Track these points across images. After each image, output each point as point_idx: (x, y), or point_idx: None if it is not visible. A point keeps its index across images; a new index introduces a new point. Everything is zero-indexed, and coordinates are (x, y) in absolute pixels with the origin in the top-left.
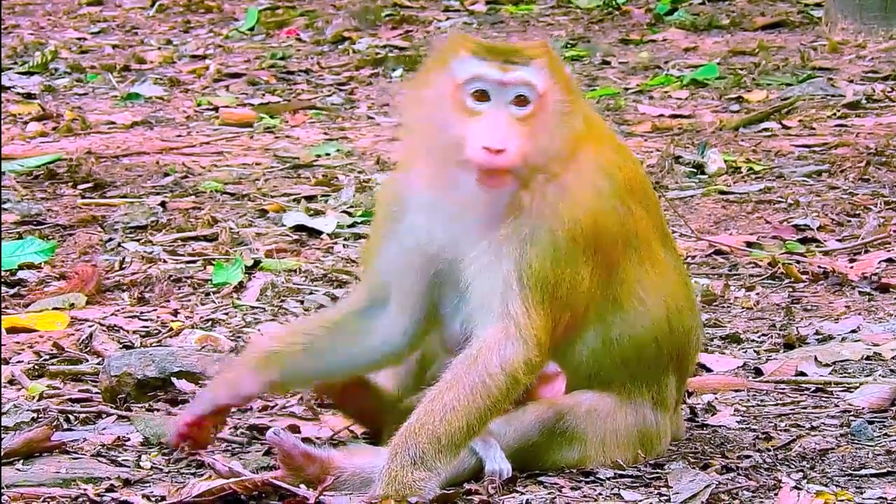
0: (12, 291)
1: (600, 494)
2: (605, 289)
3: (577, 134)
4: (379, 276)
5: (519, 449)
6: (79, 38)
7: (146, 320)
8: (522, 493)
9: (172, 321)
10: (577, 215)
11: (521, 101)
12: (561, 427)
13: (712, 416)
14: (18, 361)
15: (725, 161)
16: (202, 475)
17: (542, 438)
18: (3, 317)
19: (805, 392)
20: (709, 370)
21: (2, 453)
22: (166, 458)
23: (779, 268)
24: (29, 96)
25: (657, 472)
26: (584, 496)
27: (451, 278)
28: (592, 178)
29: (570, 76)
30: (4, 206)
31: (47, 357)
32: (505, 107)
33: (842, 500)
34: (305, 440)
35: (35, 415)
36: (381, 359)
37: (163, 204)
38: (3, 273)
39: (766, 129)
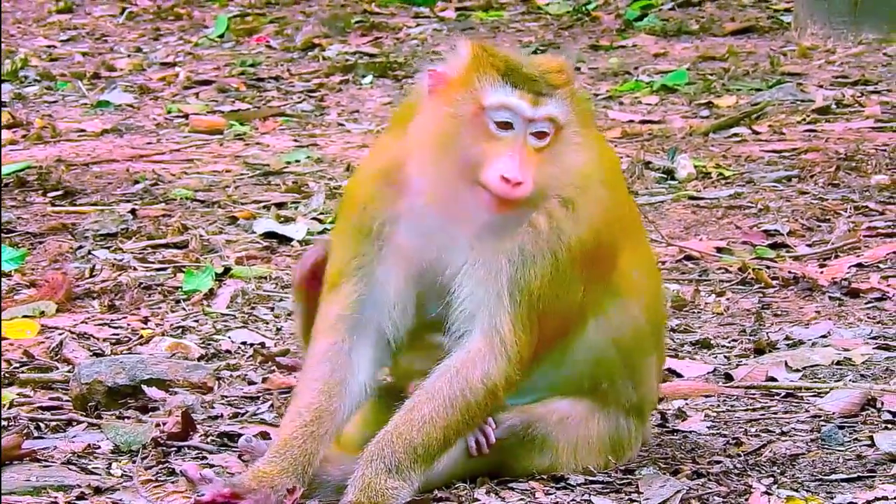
0: None
1: (572, 500)
2: (605, 285)
3: (590, 163)
4: (362, 292)
5: (490, 455)
6: (48, 46)
7: (116, 328)
8: (494, 499)
9: (143, 329)
10: (582, 235)
11: (541, 134)
12: (531, 434)
13: (683, 421)
14: None
15: (695, 166)
16: (174, 481)
17: (514, 445)
18: None
19: (775, 397)
20: (679, 376)
21: (1, 449)
22: (137, 465)
23: (749, 273)
24: None
25: (628, 478)
26: (556, 502)
27: (439, 286)
28: (597, 193)
29: (586, 103)
30: None
31: (17, 365)
32: (525, 138)
33: None
34: None
35: (5, 423)
36: (375, 382)
37: (133, 211)
38: None
39: (735, 135)
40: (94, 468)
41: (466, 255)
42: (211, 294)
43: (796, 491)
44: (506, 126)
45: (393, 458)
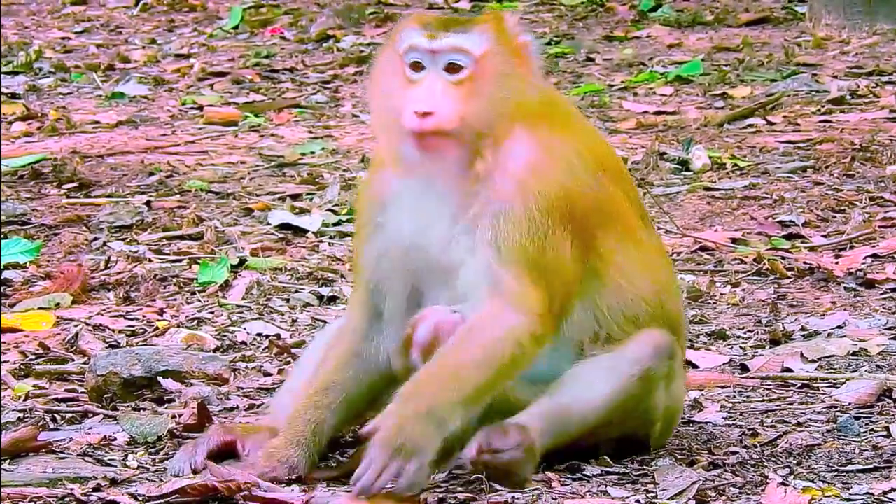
0: None
1: (588, 491)
2: (585, 261)
3: (524, 99)
4: (370, 282)
5: None
6: (63, 38)
7: (132, 319)
8: (510, 490)
9: (158, 320)
10: (545, 188)
11: (454, 68)
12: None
13: (699, 412)
14: (4, 361)
15: (710, 157)
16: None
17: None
18: None
19: (791, 388)
20: (695, 367)
21: (1, 450)
22: (153, 457)
23: (764, 264)
24: (13, 96)
25: (644, 469)
26: (572, 493)
27: (437, 269)
28: (559, 150)
29: (523, 44)
30: None
31: (33, 357)
32: (438, 74)
33: (829, 496)
34: None
35: (21, 415)
36: (389, 372)
37: (148, 203)
38: None
39: (750, 125)
40: (109, 460)
41: (447, 229)
42: (226, 285)
43: (812, 482)
44: (418, 67)
45: (427, 399)
